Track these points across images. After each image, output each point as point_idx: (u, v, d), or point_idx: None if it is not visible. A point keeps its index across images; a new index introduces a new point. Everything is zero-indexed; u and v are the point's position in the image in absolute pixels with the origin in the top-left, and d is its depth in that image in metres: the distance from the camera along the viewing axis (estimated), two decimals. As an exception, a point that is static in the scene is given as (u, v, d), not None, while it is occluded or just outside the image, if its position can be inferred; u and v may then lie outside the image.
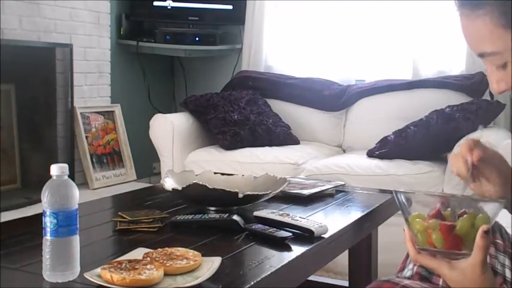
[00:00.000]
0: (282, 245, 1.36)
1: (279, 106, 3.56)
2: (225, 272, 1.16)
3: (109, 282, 1.07)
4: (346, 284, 2.09)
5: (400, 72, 3.54)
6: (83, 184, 3.44)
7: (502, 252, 1.09)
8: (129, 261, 1.15)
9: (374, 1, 3.64)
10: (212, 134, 3.27)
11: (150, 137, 3.26)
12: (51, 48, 3.34)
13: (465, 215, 0.87)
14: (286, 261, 1.25)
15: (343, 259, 1.88)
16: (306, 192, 1.86)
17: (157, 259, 1.16)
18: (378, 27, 3.65)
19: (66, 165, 1.10)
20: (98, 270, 1.11)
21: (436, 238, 0.87)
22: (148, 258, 1.17)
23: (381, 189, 2.07)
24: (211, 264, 1.15)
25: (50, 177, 1.10)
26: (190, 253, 1.20)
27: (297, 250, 1.33)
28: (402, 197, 0.93)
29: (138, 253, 1.23)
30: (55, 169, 1.09)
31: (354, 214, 1.71)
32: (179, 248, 1.23)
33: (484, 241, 0.83)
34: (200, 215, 1.53)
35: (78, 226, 1.12)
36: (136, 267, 1.11)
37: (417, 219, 0.90)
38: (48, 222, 1.09)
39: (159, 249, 1.23)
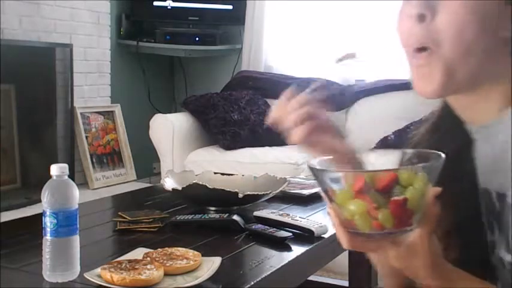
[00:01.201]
0: (282, 245, 1.36)
1: (279, 106, 3.55)
2: (225, 272, 1.16)
3: (109, 282, 1.07)
4: (346, 284, 2.09)
5: (400, 72, 3.54)
6: (83, 184, 3.44)
7: None
8: (129, 261, 1.15)
9: (374, 1, 3.64)
10: (212, 134, 3.27)
11: (150, 137, 3.26)
12: (51, 48, 3.33)
13: (410, 187, 0.71)
14: (286, 261, 1.25)
15: (343, 259, 1.88)
16: (306, 192, 1.86)
17: (157, 259, 1.16)
18: (378, 27, 3.65)
19: (66, 165, 1.10)
20: (98, 270, 1.11)
21: (385, 217, 0.71)
22: (148, 258, 1.17)
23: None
24: (211, 264, 1.15)
25: (50, 177, 1.10)
26: (190, 253, 1.20)
27: (297, 250, 1.33)
28: (327, 175, 0.76)
29: (138, 253, 1.23)
30: (55, 169, 1.09)
31: (354, 214, 1.70)
32: (179, 248, 1.23)
33: (436, 209, 0.74)
34: (200, 215, 1.53)
35: (78, 226, 1.12)
36: (136, 267, 1.11)
37: (355, 200, 0.72)
38: (48, 222, 1.09)
39: (159, 249, 1.23)
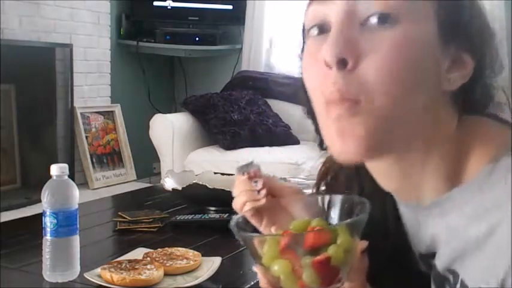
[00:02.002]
0: (282, 245, 1.35)
1: (279, 106, 3.56)
2: (225, 272, 1.16)
3: (109, 282, 1.07)
4: (346, 284, 2.09)
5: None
6: (83, 184, 3.44)
7: None
8: (129, 261, 1.15)
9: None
10: (212, 134, 3.27)
11: (150, 137, 3.26)
12: (51, 48, 3.34)
13: (333, 244, 0.66)
14: (286, 261, 1.25)
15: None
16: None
17: (157, 259, 1.16)
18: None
19: (66, 165, 1.11)
20: (98, 270, 1.11)
21: (310, 277, 0.67)
22: (148, 258, 1.17)
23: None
24: (211, 264, 1.15)
25: (50, 177, 1.10)
26: (190, 253, 1.20)
27: (297, 250, 1.33)
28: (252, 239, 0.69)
29: (138, 253, 1.23)
30: (55, 169, 1.09)
31: (354, 214, 1.70)
32: (179, 248, 1.23)
33: (365, 262, 0.70)
34: (200, 215, 1.53)
35: (78, 226, 1.12)
36: (136, 267, 1.11)
37: (280, 260, 0.67)
38: (48, 222, 1.09)
39: (159, 249, 1.23)
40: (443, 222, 0.65)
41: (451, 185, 0.65)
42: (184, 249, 1.23)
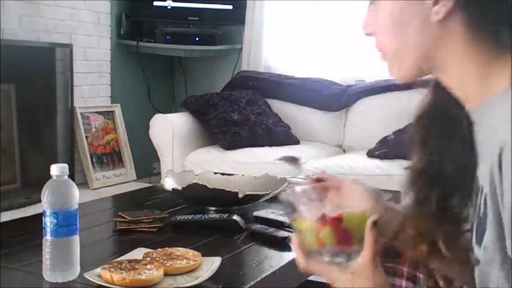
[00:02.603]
0: (282, 245, 1.36)
1: (279, 106, 3.56)
2: (225, 272, 1.16)
3: (109, 282, 1.07)
4: (346, 284, 2.09)
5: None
6: (83, 184, 3.44)
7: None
8: (129, 261, 1.15)
9: (374, 1, 3.63)
10: (212, 134, 3.27)
11: (150, 137, 3.26)
12: (51, 48, 3.33)
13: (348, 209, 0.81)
14: (286, 261, 1.25)
15: (343, 259, 1.88)
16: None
17: (157, 259, 1.16)
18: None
19: (66, 165, 1.10)
20: (98, 270, 1.11)
21: (325, 234, 0.77)
22: (148, 258, 1.17)
23: (381, 189, 2.07)
24: (211, 264, 1.15)
25: (50, 177, 1.10)
26: (190, 253, 1.20)
27: (297, 250, 1.33)
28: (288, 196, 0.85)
29: (138, 253, 1.23)
30: (55, 169, 1.09)
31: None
32: (179, 248, 1.23)
33: (373, 234, 0.76)
34: (200, 215, 1.53)
35: (78, 226, 1.12)
36: (137, 267, 1.11)
37: (302, 218, 0.81)
38: (48, 222, 1.09)
39: (159, 249, 1.23)
40: (477, 133, 0.75)
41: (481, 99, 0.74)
42: (184, 249, 1.23)
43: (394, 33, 0.79)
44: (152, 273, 1.09)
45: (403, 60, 0.79)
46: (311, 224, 0.79)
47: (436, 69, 0.79)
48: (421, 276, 1.06)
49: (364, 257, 0.76)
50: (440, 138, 0.81)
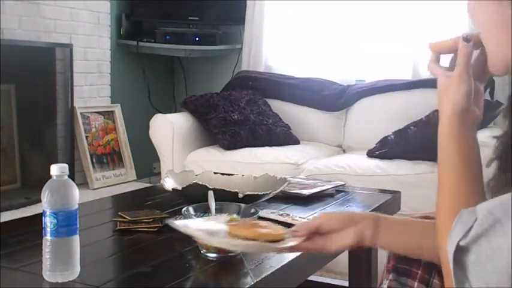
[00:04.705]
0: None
1: (279, 106, 3.56)
2: (225, 272, 1.16)
3: (239, 237, 1.01)
4: (346, 284, 2.08)
5: (400, 72, 3.54)
6: (83, 184, 3.44)
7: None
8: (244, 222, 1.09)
9: (374, 1, 3.64)
10: (212, 134, 3.27)
11: (150, 137, 3.26)
12: (51, 48, 3.34)
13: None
14: (286, 261, 1.25)
15: (343, 259, 1.88)
16: (306, 192, 1.86)
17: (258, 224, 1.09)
18: (378, 27, 3.65)
19: (66, 165, 1.10)
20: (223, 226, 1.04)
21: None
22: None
23: (381, 189, 2.07)
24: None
25: (50, 177, 1.10)
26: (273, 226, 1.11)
27: (297, 250, 1.33)
28: None
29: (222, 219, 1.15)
30: (55, 169, 1.09)
31: (354, 214, 1.70)
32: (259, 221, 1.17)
33: (466, 47, 0.95)
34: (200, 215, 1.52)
35: (78, 226, 1.12)
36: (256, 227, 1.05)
37: None
38: (48, 222, 1.09)
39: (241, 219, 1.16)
40: None
41: None
42: (266, 222, 1.15)
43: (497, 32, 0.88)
44: (278, 229, 1.04)
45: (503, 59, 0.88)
46: None
47: None
48: (435, 281, 1.06)
49: (459, 65, 0.95)
50: None
